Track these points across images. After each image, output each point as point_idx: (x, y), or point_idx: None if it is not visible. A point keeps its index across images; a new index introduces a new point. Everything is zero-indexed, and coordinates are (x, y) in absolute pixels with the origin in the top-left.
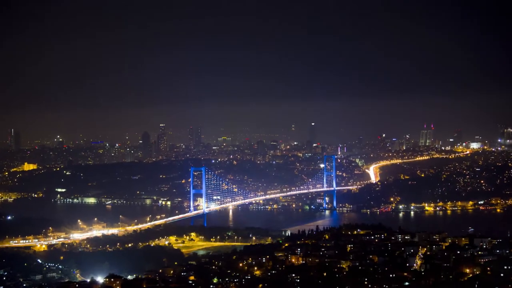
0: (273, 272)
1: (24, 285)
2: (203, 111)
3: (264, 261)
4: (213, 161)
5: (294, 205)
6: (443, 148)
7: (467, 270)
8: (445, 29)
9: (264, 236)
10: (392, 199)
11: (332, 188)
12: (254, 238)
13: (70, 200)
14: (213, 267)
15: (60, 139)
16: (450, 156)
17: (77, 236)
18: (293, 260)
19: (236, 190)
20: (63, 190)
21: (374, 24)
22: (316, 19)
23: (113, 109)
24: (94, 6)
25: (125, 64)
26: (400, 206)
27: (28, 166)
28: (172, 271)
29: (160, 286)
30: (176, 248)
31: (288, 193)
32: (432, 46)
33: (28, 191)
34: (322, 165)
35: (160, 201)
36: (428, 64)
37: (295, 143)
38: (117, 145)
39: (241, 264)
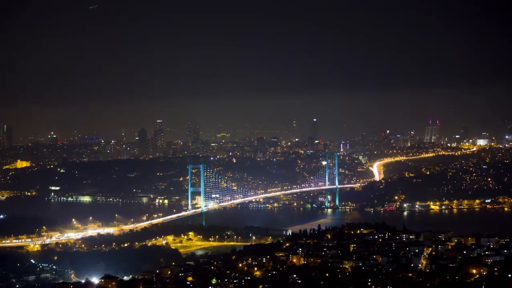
0: (274, 272)
1: (17, 286)
2: (202, 107)
3: (264, 261)
4: (211, 158)
5: (295, 204)
6: (448, 145)
7: (474, 271)
8: (449, 22)
9: (264, 236)
10: (396, 197)
11: (335, 186)
12: (254, 237)
13: (64, 198)
14: (212, 267)
15: (54, 136)
16: (456, 153)
17: (71, 235)
18: (294, 260)
19: (235, 188)
20: (57, 188)
21: (377, 18)
22: (317, 13)
23: (108, 104)
24: (91, 2)
25: (122, 59)
26: (405, 205)
27: (21, 164)
28: (169, 272)
29: (157, 287)
30: (173, 248)
31: (289, 191)
32: (437, 41)
33: (21, 189)
34: (324, 163)
35: (157, 200)
36: (432, 59)
37: (296, 139)
38: (112, 141)
39: (240, 265)
